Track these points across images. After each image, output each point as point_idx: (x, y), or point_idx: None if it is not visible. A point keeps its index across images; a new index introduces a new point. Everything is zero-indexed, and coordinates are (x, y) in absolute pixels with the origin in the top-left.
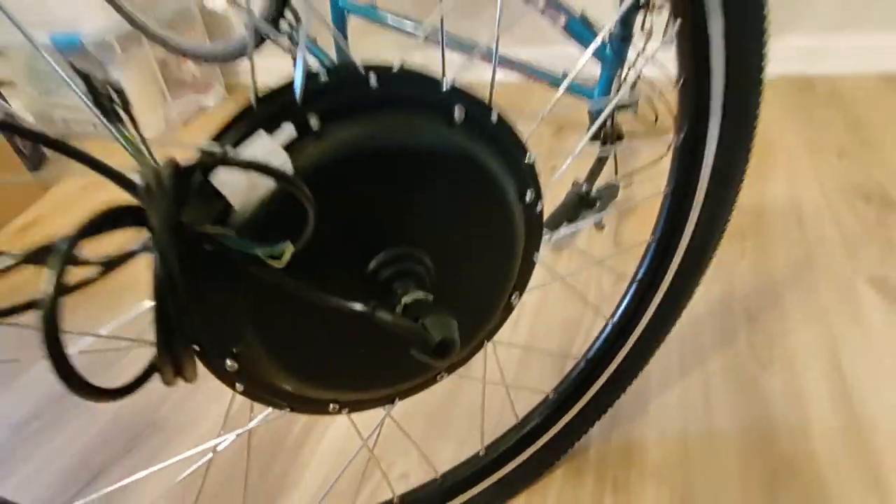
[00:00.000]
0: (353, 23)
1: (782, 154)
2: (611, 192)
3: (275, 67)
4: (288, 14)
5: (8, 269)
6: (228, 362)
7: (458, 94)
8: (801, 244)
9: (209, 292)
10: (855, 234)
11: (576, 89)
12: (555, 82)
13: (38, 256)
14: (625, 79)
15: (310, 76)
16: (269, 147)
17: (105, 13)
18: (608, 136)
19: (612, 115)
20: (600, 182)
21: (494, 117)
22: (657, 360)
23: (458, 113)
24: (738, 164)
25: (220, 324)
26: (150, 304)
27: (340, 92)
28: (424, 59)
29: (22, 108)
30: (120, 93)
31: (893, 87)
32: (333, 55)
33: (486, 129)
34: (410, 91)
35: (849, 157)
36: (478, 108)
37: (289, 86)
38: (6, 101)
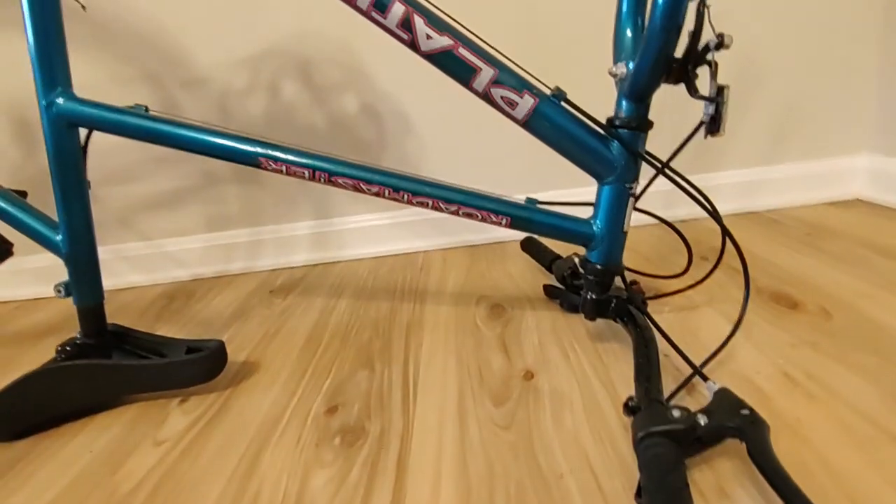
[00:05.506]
0: None
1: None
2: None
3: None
4: None
5: None
6: None
7: None
8: None
9: None
10: None
11: (569, 229)
12: (529, 220)
13: None
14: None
15: None
16: None
17: None
18: (634, 304)
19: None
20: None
21: None
22: None
23: None
24: None
25: None
26: None
27: None
28: None
29: None
30: None
31: (843, 210)
32: None
33: None
34: None
35: None
36: None
37: None
38: None
